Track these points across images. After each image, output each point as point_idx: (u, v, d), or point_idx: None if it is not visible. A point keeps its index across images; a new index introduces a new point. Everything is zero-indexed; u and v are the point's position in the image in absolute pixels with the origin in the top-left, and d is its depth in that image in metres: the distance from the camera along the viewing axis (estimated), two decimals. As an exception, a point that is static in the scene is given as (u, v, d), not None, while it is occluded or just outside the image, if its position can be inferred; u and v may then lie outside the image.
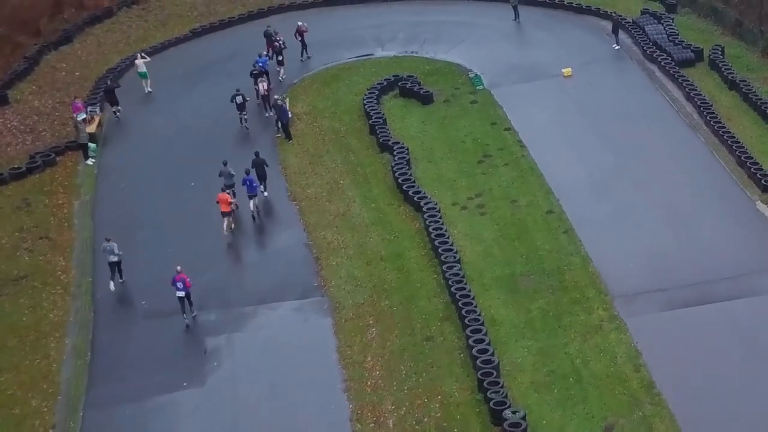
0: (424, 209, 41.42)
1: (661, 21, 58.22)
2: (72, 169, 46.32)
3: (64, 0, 61.26)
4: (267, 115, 49.96)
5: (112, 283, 37.96)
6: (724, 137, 46.14)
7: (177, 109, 52.11)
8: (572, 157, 45.84)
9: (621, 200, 42.33)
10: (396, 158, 45.42)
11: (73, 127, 47.59)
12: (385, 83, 53.10)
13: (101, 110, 50.73)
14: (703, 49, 54.65)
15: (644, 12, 59.85)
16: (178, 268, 35.84)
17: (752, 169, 43.31)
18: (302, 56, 56.92)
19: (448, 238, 39.36)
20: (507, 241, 40.05)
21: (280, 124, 48.39)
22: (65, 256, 40.00)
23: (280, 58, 54.89)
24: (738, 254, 38.47)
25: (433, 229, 39.80)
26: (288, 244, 40.53)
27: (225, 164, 42.67)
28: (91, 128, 48.26)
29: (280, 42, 54.92)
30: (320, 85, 54.12)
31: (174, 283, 35.52)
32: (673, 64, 53.37)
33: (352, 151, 47.38)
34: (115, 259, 37.67)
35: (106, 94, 51.59)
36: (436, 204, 41.63)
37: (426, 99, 51.80)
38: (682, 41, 55.49)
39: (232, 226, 41.23)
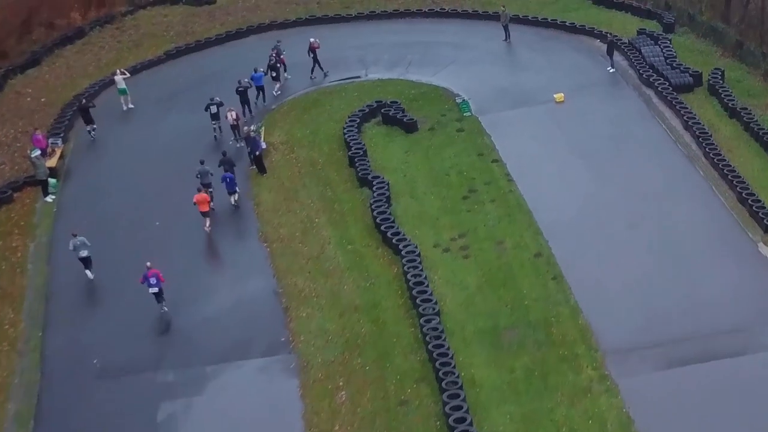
0: (402, 253, 38.34)
1: (659, 42, 55.49)
2: (29, 207, 43.59)
3: (33, 19, 58.30)
4: (237, 145, 46.83)
5: (89, 272, 38.43)
6: (724, 171, 43.48)
7: (145, 139, 49.39)
8: (563, 193, 43.22)
9: (614, 242, 39.61)
10: (375, 194, 42.62)
11: (29, 163, 44.43)
12: (367, 110, 50.45)
13: (64, 142, 47.74)
14: (701, 72, 51.94)
15: (640, 32, 57.09)
16: (148, 264, 35.64)
17: (754, 207, 40.66)
18: (312, 73, 54.67)
19: (427, 286, 36.59)
20: (491, 288, 37.30)
21: (252, 157, 45.22)
22: (14, 307, 37.20)
23: (275, 74, 52.82)
24: (740, 304, 35.68)
25: (411, 276, 36.92)
26: (256, 292, 37.83)
27: (202, 162, 42.47)
28: (52, 162, 45.51)
29: (273, 57, 52.79)
30: (299, 112, 51.38)
31: (145, 279, 35.56)
32: (671, 89, 50.59)
33: (330, 185, 44.61)
34: (86, 254, 37.81)
35: (80, 112, 49.46)
36: (415, 247, 38.91)
37: (410, 127, 49.07)
38: (680, 64, 52.72)
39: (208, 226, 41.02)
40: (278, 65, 53.11)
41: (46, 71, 56.51)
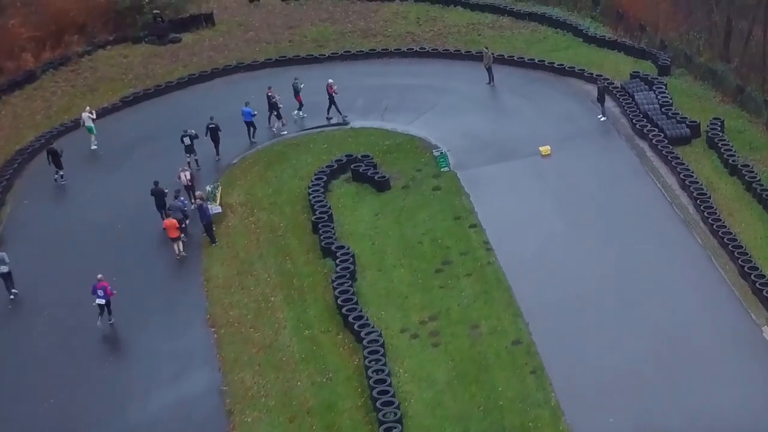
0: (364, 342, 34.09)
1: (653, 87, 51.43)
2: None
3: (-21, 63, 53.83)
4: (192, 207, 42.51)
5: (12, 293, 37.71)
6: (725, 239, 39.18)
7: (88, 203, 45.29)
8: (546, 265, 39.11)
9: (602, 327, 35.53)
10: (338, 268, 38.29)
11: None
12: (335, 165, 46.26)
13: (2, 205, 43.25)
14: (699, 123, 47.69)
15: (634, 75, 52.94)
16: (99, 276, 35.63)
17: (757, 284, 36.34)
18: (328, 113, 51.15)
19: (389, 384, 32.34)
20: (462, 384, 33.15)
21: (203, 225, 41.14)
22: None
23: (276, 112, 49.93)
24: (742, 403, 31.60)
25: (372, 372, 32.54)
26: (196, 390, 33.67)
27: (176, 197, 41.75)
28: (-17, 231, 41.08)
29: (276, 99, 49.70)
30: (262, 167, 47.27)
31: (94, 291, 35.59)
32: (666, 141, 46.37)
33: (290, 255, 40.44)
34: (5, 269, 37.45)
35: (50, 155, 46.47)
36: (379, 335, 34.66)
37: (382, 185, 45.06)
38: (677, 113, 48.63)
39: (182, 249, 40.43)
40: (278, 104, 49.88)
41: (-9, 121, 52.04)
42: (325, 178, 45.37)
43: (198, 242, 41.61)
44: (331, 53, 58.85)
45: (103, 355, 35.36)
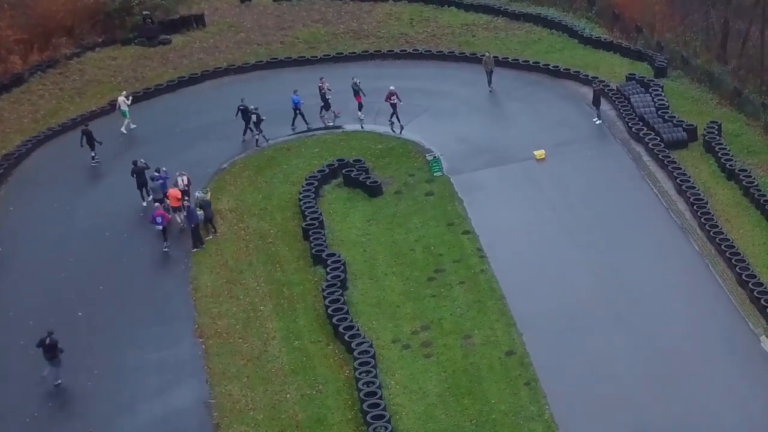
0: (355, 353, 33.37)
1: (649, 90, 50.57)
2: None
3: (-35, 67, 52.92)
4: (183, 215, 41.83)
5: None
6: (722, 246, 38.44)
7: (75, 210, 44.59)
8: (540, 273, 38.51)
9: (597, 338, 34.93)
10: (329, 276, 37.51)
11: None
12: (327, 170, 45.41)
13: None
14: (696, 126, 46.88)
15: (630, 77, 52.06)
16: (157, 204, 39.87)
17: (755, 293, 35.73)
18: (391, 119, 50.04)
19: (380, 397, 31.69)
20: (455, 396, 32.50)
21: (191, 228, 40.57)
22: None
23: (324, 104, 50.13)
24: (740, 414, 31.09)
25: (363, 384, 31.82)
26: (183, 403, 33.01)
27: (157, 170, 42.63)
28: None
29: (326, 89, 50.03)
30: (253, 172, 46.46)
31: (153, 219, 39.43)
32: (663, 145, 45.54)
33: (280, 263, 39.69)
34: None
35: (84, 136, 46.93)
36: (370, 345, 33.89)
37: (374, 191, 44.30)
38: (673, 116, 47.89)
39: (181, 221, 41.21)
40: (327, 95, 49.56)
41: (-25, 126, 51.21)
42: (316, 183, 44.61)
43: (186, 250, 40.58)
44: (324, 55, 58.01)
45: (88, 367, 34.53)
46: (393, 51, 58.15)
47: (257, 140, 48.38)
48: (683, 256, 39.21)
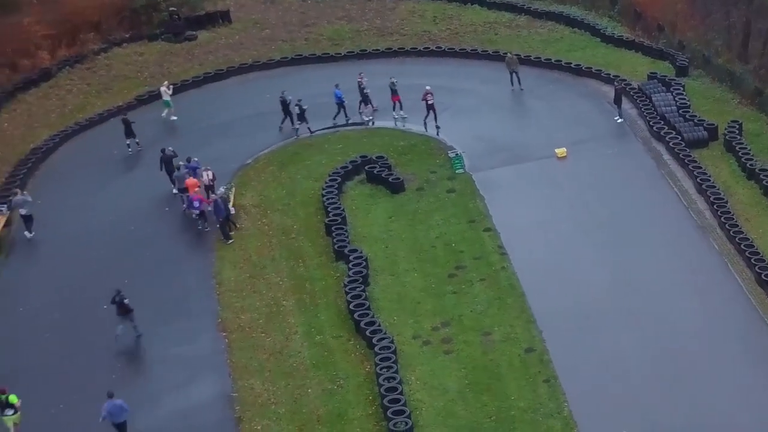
0: (376, 349, 33.82)
1: (671, 88, 50.75)
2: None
3: (-6, 61, 53.64)
4: (209, 209, 42.39)
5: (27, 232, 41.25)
6: (741, 246, 38.62)
7: (102, 203, 45.29)
8: (560, 271, 38.79)
9: (616, 337, 35.11)
10: (351, 272, 37.98)
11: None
12: (350, 167, 45.83)
13: (9, 208, 43.18)
14: (717, 126, 47.03)
15: (651, 76, 52.31)
16: (197, 189, 41.24)
17: (775, 293, 35.73)
18: (426, 119, 50.09)
19: (400, 393, 32.00)
20: (474, 392, 32.87)
21: (218, 222, 41.47)
22: None
23: (362, 98, 50.79)
24: (759, 415, 31.10)
25: (383, 380, 32.25)
26: (206, 397, 33.42)
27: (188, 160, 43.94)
28: (-7, 233, 40.94)
29: (364, 84, 50.40)
30: (276, 168, 46.96)
31: (191, 204, 41.35)
32: (683, 144, 45.75)
33: (303, 258, 40.17)
34: (26, 212, 41.48)
35: (123, 124, 48.39)
36: (391, 341, 34.20)
37: (396, 187, 44.72)
38: (694, 116, 48.10)
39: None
40: (365, 90, 50.03)
41: (5, 119, 52.28)
42: (339, 179, 45.00)
43: (210, 245, 41.12)
44: (347, 52, 58.41)
45: (112, 361, 35.13)
46: (416, 48, 58.61)
47: (297, 130, 49.17)
48: (702, 255, 39.41)
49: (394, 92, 50.15)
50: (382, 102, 50.64)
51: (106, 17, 59.76)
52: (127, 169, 47.73)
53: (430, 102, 49.03)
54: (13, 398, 31.34)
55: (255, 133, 49.61)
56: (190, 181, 42.32)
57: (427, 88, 49.28)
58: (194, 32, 61.51)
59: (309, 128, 49.33)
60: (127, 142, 47.98)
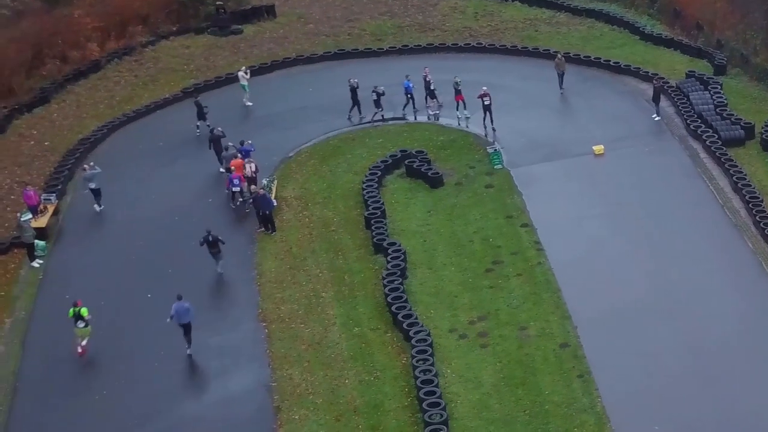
0: (413, 341, 34.57)
1: (708, 87, 51.11)
2: (13, 275, 40.32)
3: (45, 52, 54.75)
4: (249, 202, 43.24)
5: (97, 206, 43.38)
6: (776, 245, 39.03)
7: (147, 194, 46.39)
8: (596, 268, 39.43)
9: (650, 335, 35.59)
10: (389, 265, 38.76)
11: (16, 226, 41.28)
12: (390, 161, 46.59)
13: (60, 196, 44.43)
14: (754, 125, 47.44)
15: (689, 75, 52.71)
16: (233, 168, 43.29)
17: (808, 294, 36.14)
18: (491, 123, 50.42)
19: (436, 385, 32.75)
20: (509, 386, 33.50)
21: (261, 215, 42.35)
22: (-24, 398, 33.67)
23: (427, 93, 51.63)
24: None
25: (419, 372, 33.01)
26: (245, 386, 34.33)
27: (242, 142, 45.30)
28: (41, 222, 42.00)
29: (429, 78, 51.28)
30: (317, 161, 47.80)
31: (231, 181, 43.14)
32: (720, 143, 46.17)
33: (342, 251, 41.01)
34: (94, 186, 42.87)
35: (196, 106, 49.70)
36: (428, 334, 35.00)
37: (435, 182, 45.45)
38: (731, 114, 48.46)
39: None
40: (431, 85, 50.80)
41: (55, 110, 53.48)
42: (379, 173, 45.71)
43: (252, 236, 41.99)
44: (389, 47, 59.14)
45: (155, 349, 36.16)
46: (457, 44, 59.28)
47: (374, 116, 50.48)
48: (737, 254, 39.83)
49: (457, 92, 50.53)
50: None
51: (154, 10, 60.90)
52: (172, 161, 48.78)
53: (486, 103, 49.36)
54: (84, 311, 34.28)
55: (298, 126, 50.56)
56: (237, 161, 43.63)
57: (484, 88, 49.62)
58: (240, 26, 62.54)
59: (382, 115, 50.19)
60: (197, 124, 49.45)
